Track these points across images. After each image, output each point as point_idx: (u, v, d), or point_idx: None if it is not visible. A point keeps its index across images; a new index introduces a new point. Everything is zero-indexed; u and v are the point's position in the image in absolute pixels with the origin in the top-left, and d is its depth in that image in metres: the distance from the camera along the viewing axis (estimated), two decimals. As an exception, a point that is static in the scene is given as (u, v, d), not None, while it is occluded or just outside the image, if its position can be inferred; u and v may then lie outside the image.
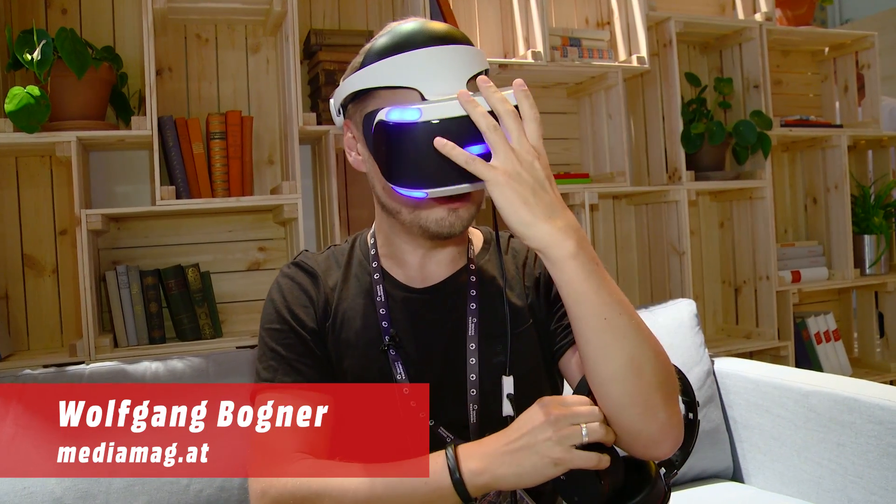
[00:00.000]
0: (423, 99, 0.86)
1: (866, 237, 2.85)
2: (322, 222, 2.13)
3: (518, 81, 0.84)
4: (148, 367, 1.56)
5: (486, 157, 0.81)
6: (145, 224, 2.06)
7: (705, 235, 2.82)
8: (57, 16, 2.00)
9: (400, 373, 1.00)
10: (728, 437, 1.85)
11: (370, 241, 1.09)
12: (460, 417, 1.00)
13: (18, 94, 1.66)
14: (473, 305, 1.04)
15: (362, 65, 0.92)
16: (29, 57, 1.68)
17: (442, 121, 0.81)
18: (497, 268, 1.07)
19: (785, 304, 2.63)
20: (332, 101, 1.00)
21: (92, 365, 1.55)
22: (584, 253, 0.81)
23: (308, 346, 1.02)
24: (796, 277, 2.69)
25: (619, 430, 0.86)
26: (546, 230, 0.80)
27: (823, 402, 1.60)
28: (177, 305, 1.93)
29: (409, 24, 0.92)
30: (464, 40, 0.92)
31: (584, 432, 0.81)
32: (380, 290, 1.05)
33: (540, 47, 2.27)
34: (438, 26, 0.92)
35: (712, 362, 1.91)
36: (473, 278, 1.05)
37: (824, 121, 2.88)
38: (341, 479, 0.87)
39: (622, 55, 2.51)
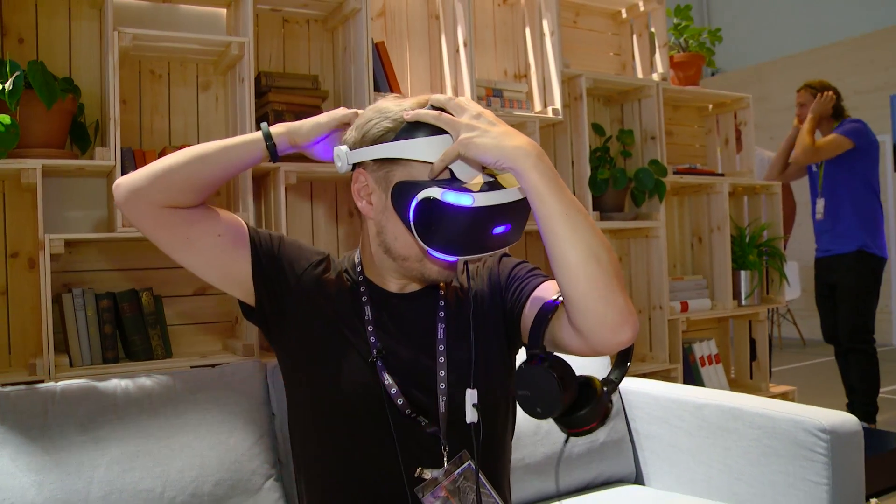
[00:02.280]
0: (454, 176, 1.07)
1: (743, 272, 3.25)
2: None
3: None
4: (118, 384, 1.63)
5: (508, 233, 1.07)
6: (96, 248, 2.13)
7: (606, 268, 3.13)
8: (13, 44, 2.07)
9: (388, 380, 1.19)
10: (631, 445, 2.11)
11: (356, 260, 1.29)
12: (431, 406, 1.20)
13: (-10, 123, 1.74)
14: (442, 314, 1.25)
15: (397, 136, 1.10)
16: (0, 87, 1.77)
17: (487, 207, 1.02)
18: (464, 280, 1.29)
19: (675, 331, 2.96)
20: (342, 149, 1.16)
21: (62, 382, 1.59)
22: (544, 163, 1.02)
23: (261, 261, 1.23)
24: (685, 307, 3.03)
25: (588, 319, 1.04)
26: (511, 148, 1.01)
27: (714, 413, 1.88)
28: (131, 327, 2.02)
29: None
30: None
31: None
32: (367, 309, 1.23)
33: (468, 96, 2.51)
34: None
35: (618, 381, 2.17)
36: (442, 292, 1.27)
37: (709, 169, 3.28)
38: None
39: (538, 106, 2.79)
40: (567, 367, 1.07)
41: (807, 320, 7.29)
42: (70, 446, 1.51)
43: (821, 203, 3.76)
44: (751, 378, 3.38)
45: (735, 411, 1.83)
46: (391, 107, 1.15)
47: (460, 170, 1.07)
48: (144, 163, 2.01)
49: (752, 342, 3.42)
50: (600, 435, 2.01)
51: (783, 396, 3.30)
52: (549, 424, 1.91)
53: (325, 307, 1.24)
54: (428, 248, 1.06)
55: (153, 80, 2.24)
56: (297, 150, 1.24)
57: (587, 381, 1.13)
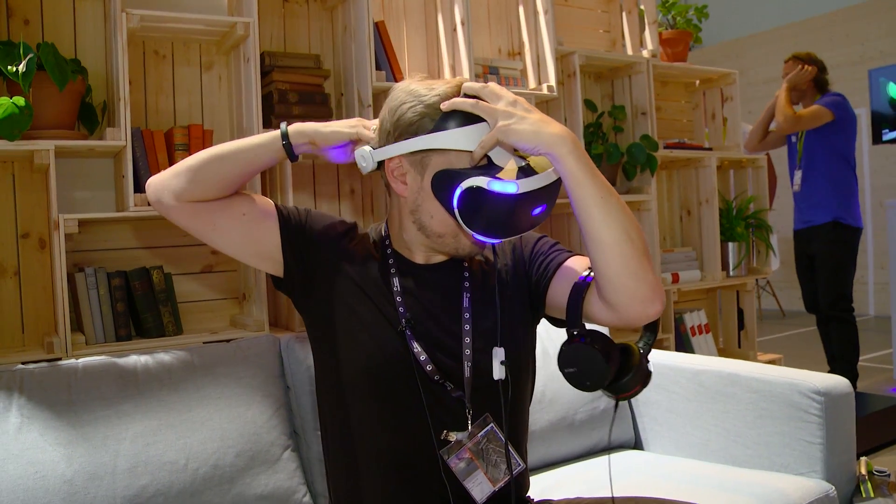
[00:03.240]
0: (491, 162, 1.12)
1: (730, 244, 3.34)
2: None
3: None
4: (137, 360, 1.66)
5: (543, 213, 1.12)
6: (106, 227, 2.16)
7: (599, 242, 3.21)
8: (19, 25, 2.08)
9: (416, 348, 1.25)
10: (631, 412, 2.19)
11: (383, 233, 1.34)
12: (457, 371, 1.26)
13: (4, 104, 1.75)
14: (467, 284, 1.31)
15: (435, 126, 1.15)
16: (14, 69, 1.78)
17: (529, 192, 1.07)
18: (489, 252, 1.34)
19: (667, 302, 3.05)
20: (366, 150, 1.21)
21: (83, 359, 1.62)
22: (579, 150, 1.09)
23: (291, 231, 1.29)
24: (675, 279, 3.12)
25: (621, 294, 1.10)
26: (548, 135, 1.07)
27: (711, 379, 1.96)
28: (142, 305, 2.05)
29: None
30: None
31: None
32: (396, 280, 1.29)
33: (466, 75, 2.55)
34: None
35: (617, 350, 2.25)
36: (466, 263, 1.33)
37: (697, 144, 3.35)
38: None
39: (532, 83, 2.84)
40: (607, 340, 1.13)
41: (786, 292, 7.45)
42: (95, 421, 1.54)
43: (798, 175, 3.85)
44: (739, 347, 3.48)
45: (732, 376, 1.91)
46: (422, 90, 1.19)
47: (496, 155, 1.12)
48: (153, 142, 2.06)
49: (740, 312, 3.52)
50: (601, 403, 2.08)
51: (770, 364, 3.40)
52: (553, 393, 1.98)
53: (355, 277, 1.29)
54: (472, 232, 1.11)
55: (157, 61, 2.26)
56: (313, 151, 1.28)
57: (626, 348, 1.18)
